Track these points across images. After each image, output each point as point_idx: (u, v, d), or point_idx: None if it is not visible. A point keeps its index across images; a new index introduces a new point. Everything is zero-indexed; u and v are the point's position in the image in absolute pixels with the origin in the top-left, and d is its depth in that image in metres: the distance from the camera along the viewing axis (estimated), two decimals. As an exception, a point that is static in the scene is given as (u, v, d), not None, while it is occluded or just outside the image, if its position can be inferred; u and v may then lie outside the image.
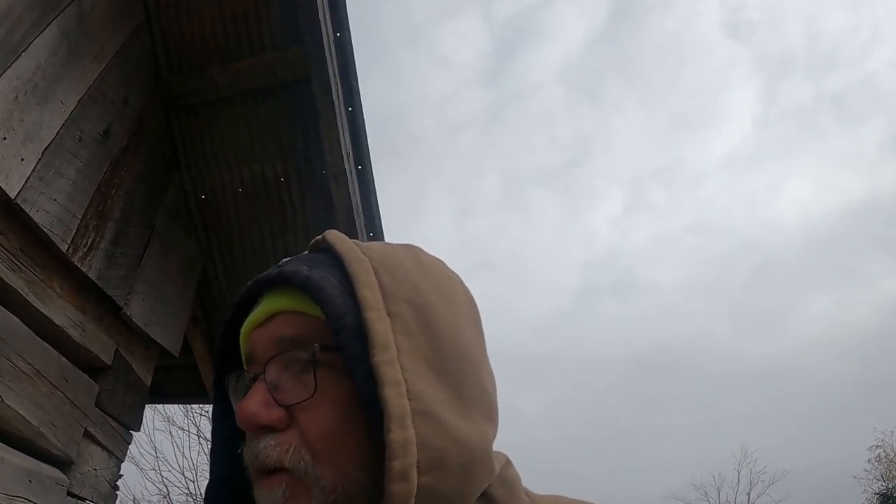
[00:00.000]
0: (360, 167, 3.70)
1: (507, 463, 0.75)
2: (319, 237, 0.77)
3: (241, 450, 0.70)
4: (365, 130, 3.62)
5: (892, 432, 25.12)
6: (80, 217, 2.70)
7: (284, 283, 0.69)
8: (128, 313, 3.07)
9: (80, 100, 2.65)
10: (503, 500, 0.70)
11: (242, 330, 0.73)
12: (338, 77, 3.32)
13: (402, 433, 0.59)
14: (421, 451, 0.59)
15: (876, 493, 24.30)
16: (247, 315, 0.74)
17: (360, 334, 0.63)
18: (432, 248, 0.80)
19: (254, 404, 0.65)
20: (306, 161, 3.63)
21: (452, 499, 0.63)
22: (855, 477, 25.09)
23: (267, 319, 0.70)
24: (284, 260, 0.74)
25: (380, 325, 0.63)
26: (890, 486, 24.01)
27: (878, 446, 25.02)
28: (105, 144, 2.84)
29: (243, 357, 0.73)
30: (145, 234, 3.22)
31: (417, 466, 0.59)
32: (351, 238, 0.75)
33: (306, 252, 0.78)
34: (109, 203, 2.91)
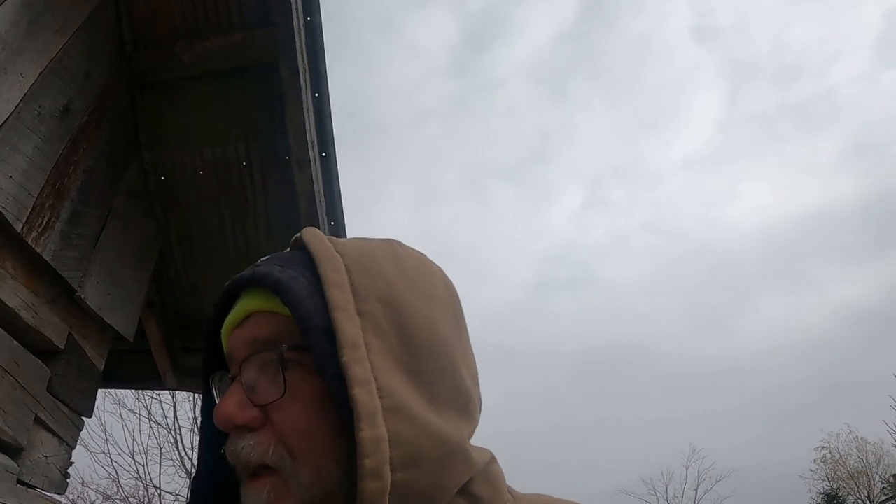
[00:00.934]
0: (324, 154, 3.65)
1: (492, 460, 0.74)
2: (298, 234, 0.76)
3: (224, 449, 0.70)
4: (331, 118, 3.56)
5: (839, 434, 26.10)
6: (35, 195, 2.60)
7: (257, 283, 0.69)
8: (82, 296, 2.97)
9: (40, 73, 2.55)
10: (487, 499, 0.69)
11: (223, 330, 0.74)
12: (306, 62, 3.26)
13: (373, 431, 0.59)
14: (394, 448, 0.60)
15: (821, 493, 25.19)
16: (227, 314, 0.74)
17: (330, 334, 0.63)
18: (390, 235, 0.79)
19: (229, 405, 0.66)
20: (270, 146, 3.56)
21: (430, 494, 0.63)
22: (801, 476, 26.00)
23: (243, 320, 0.71)
24: (262, 259, 0.74)
25: (348, 325, 0.63)
26: (834, 486, 24.93)
27: (824, 447, 25.97)
28: (65, 120, 2.73)
29: (226, 357, 0.74)
30: (102, 215, 3.12)
31: (391, 463, 0.59)
32: (317, 227, 0.76)
33: (287, 249, 0.78)
34: (67, 182, 2.81)
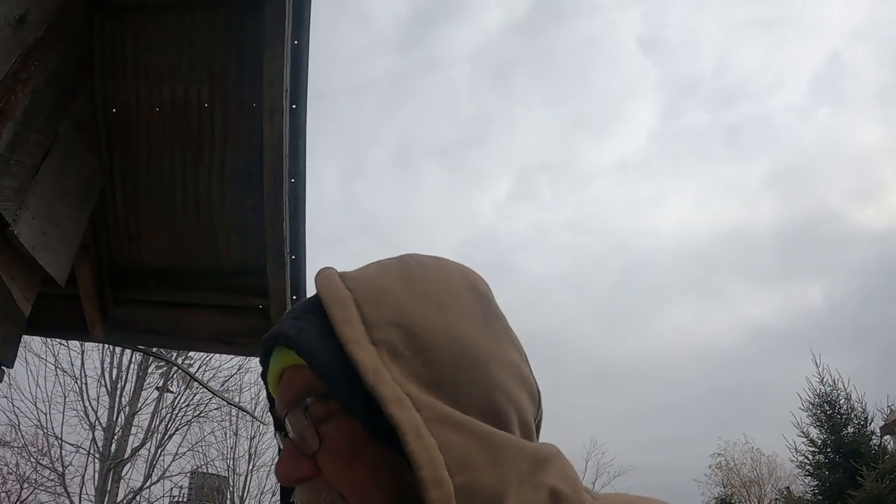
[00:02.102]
0: (294, 106, 3.39)
1: (559, 454, 0.72)
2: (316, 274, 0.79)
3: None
4: (307, 68, 3.32)
5: (735, 443, 27.23)
6: (-24, 112, 2.29)
7: (280, 344, 0.73)
8: (15, 231, 2.65)
9: (-2, -26, 2.23)
10: (567, 496, 0.67)
11: (269, 383, 0.79)
12: (291, 4, 3.00)
13: (421, 442, 0.60)
14: (446, 454, 0.60)
15: (715, 498, 26.30)
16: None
17: (348, 374, 0.64)
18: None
19: (283, 464, 0.71)
20: (237, 91, 3.30)
21: (495, 491, 0.61)
22: (695, 480, 27.03)
23: (281, 375, 0.75)
24: (286, 312, 0.78)
25: (365, 355, 0.65)
26: (728, 492, 26.06)
27: (720, 454, 27.10)
28: (19, 32, 2.41)
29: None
30: (46, 143, 2.80)
31: (448, 469, 0.59)
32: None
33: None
34: (13, 100, 2.48)
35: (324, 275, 0.76)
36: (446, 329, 0.70)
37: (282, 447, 0.75)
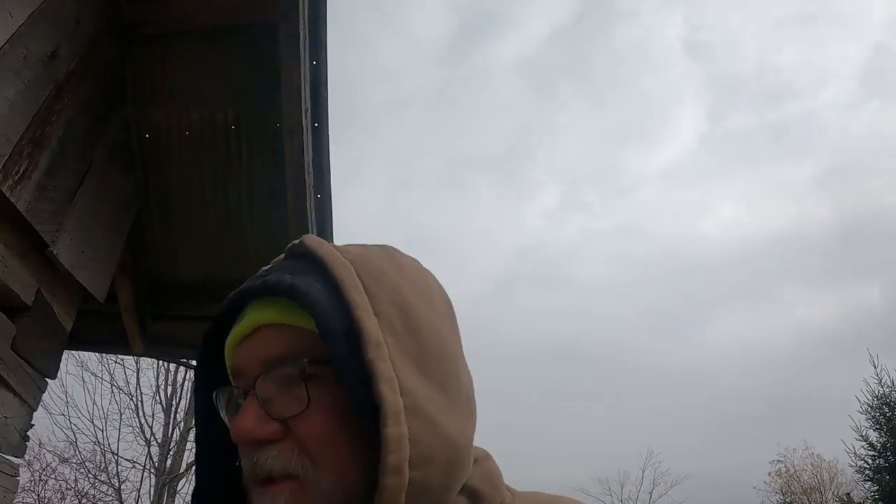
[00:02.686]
0: (316, 125, 3.54)
1: (487, 457, 0.77)
2: (296, 242, 0.77)
3: (239, 464, 0.71)
4: (327, 87, 3.46)
5: (794, 449, 26.55)
6: (14, 142, 2.47)
7: (269, 293, 0.69)
8: (54, 252, 2.84)
9: (30, 15, 2.41)
10: (486, 495, 0.71)
11: (228, 342, 0.74)
12: (307, 26, 3.14)
13: (397, 428, 0.60)
14: (413, 447, 0.61)
15: None
16: (228, 325, 0.75)
17: (349, 337, 0.64)
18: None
19: (248, 421, 0.66)
20: (260, 111, 3.45)
21: (439, 493, 0.64)
22: (754, 487, 26.40)
23: (252, 332, 0.71)
24: (264, 269, 0.75)
25: (370, 324, 0.64)
26: (787, 499, 25.40)
27: (779, 461, 26.39)
28: (50, 67, 2.59)
29: (229, 370, 0.74)
30: (81, 169, 2.98)
31: (409, 461, 0.60)
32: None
33: (282, 257, 0.79)
34: (48, 131, 2.66)
35: (314, 239, 0.75)
36: (432, 321, 0.71)
37: (224, 408, 0.74)
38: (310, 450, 0.65)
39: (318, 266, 0.71)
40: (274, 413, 0.66)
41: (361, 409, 0.62)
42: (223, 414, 0.74)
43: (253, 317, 0.71)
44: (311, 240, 0.75)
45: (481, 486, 0.71)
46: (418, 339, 0.68)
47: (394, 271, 0.73)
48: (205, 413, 0.77)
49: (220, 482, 0.76)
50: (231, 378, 0.74)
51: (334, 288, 0.67)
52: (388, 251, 0.78)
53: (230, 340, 0.73)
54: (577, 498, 0.77)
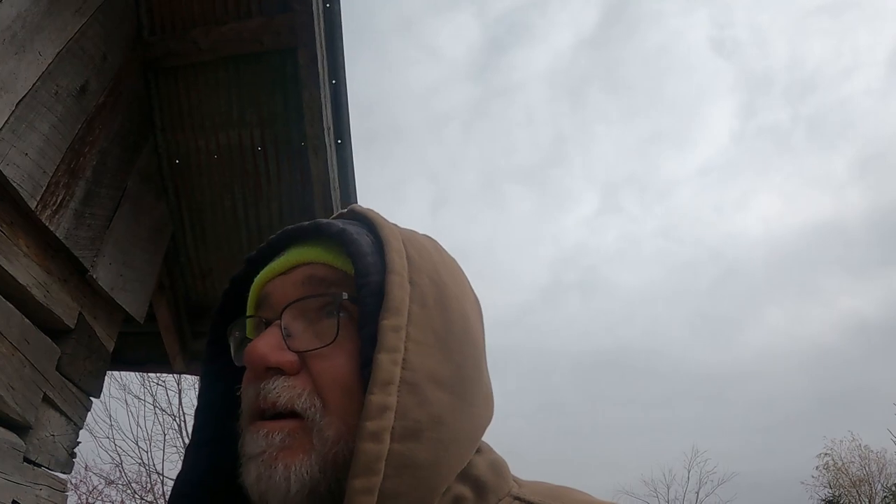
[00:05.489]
0: (339, 142, 3.63)
1: (491, 449, 0.75)
2: (344, 210, 0.78)
3: (238, 390, 0.69)
4: (347, 105, 3.55)
5: (841, 441, 25.87)
6: (51, 174, 2.61)
7: (318, 233, 0.70)
8: (94, 276, 2.98)
9: (58, 53, 2.55)
10: (492, 484, 0.68)
11: (258, 278, 0.72)
12: (324, 48, 3.25)
13: (383, 397, 0.59)
14: (398, 419, 0.59)
15: (822, 500, 24.99)
16: (254, 272, 0.74)
17: (379, 295, 0.64)
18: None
19: (265, 345, 0.64)
20: (285, 132, 3.56)
21: (429, 468, 0.61)
22: (802, 483, 25.76)
23: (290, 269, 0.70)
24: (328, 219, 0.74)
25: (398, 291, 0.64)
26: (836, 493, 24.74)
27: (826, 454, 25.71)
28: (81, 101, 2.74)
29: (252, 305, 0.73)
30: (116, 196, 3.13)
31: (392, 432, 0.58)
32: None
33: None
34: (82, 161, 2.81)
35: (367, 208, 0.76)
36: (463, 306, 0.71)
37: (236, 342, 0.73)
38: (322, 390, 0.63)
39: (368, 227, 0.72)
40: (293, 345, 0.65)
41: (364, 368, 0.62)
42: (233, 349, 0.73)
43: (295, 254, 0.70)
44: (360, 207, 0.76)
45: (486, 475, 0.68)
46: (447, 317, 0.67)
47: (436, 254, 0.74)
48: (213, 365, 0.77)
49: (215, 439, 0.73)
50: (254, 310, 0.72)
51: (379, 247, 0.68)
52: (433, 240, 0.79)
53: (263, 275, 0.72)
54: (618, 501, 0.75)
